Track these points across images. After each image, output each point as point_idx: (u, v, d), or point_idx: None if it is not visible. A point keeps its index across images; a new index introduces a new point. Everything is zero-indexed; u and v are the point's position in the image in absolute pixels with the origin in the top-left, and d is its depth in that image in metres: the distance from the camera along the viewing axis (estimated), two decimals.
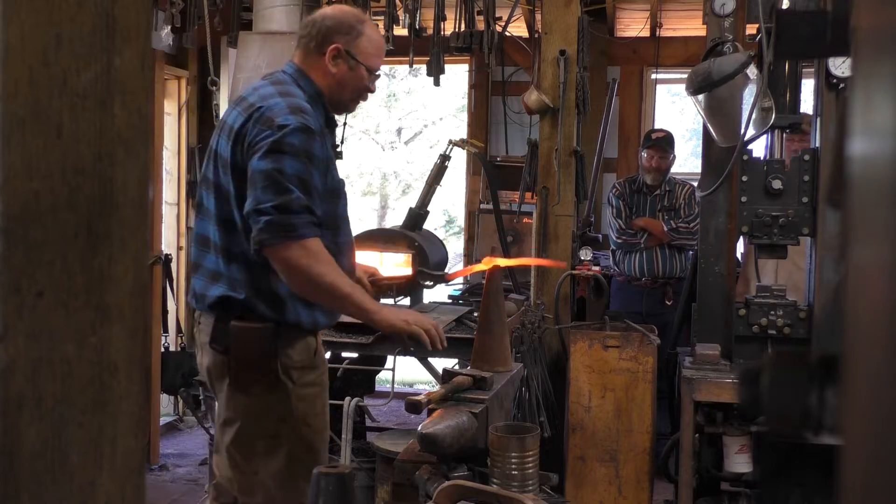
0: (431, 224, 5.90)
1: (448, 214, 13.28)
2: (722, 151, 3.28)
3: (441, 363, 4.48)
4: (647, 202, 5.09)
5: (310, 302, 2.45)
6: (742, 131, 3.07)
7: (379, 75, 2.60)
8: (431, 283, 2.87)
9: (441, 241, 4.89)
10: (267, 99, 2.41)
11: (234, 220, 2.40)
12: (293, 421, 2.44)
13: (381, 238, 4.28)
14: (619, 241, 5.10)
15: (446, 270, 4.78)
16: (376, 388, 4.88)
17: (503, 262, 2.62)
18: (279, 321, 2.42)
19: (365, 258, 4.19)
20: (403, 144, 15.11)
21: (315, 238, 2.30)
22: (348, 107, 2.63)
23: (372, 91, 2.60)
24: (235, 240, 2.40)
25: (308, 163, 2.33)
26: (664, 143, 5.04)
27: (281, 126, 2.32)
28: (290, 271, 2.31)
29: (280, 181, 2.27)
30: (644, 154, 5.08)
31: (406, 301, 3.91)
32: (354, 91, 2.55)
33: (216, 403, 2.60)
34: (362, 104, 2.69)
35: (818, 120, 3.19)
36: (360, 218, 13.42)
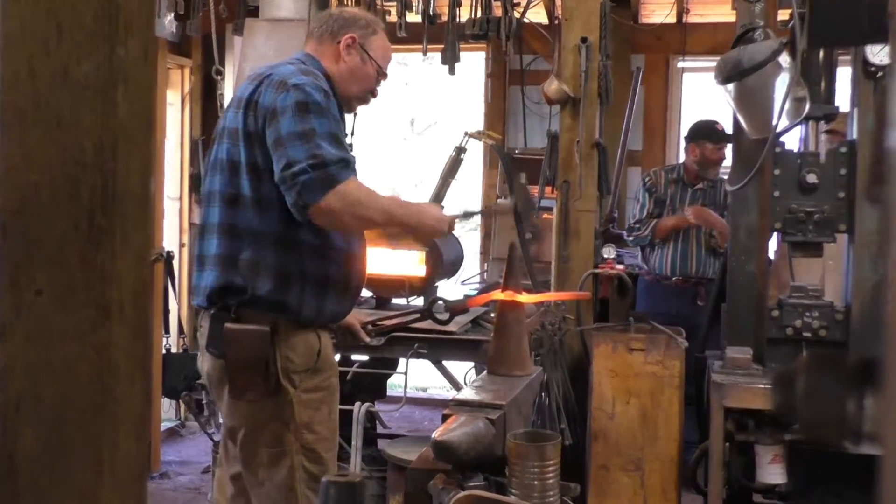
0: None
1: (464, 210, 13.24)
2: (753, 144, 3.27)
3: (456, 367, 4.49)
4: (686, 196, 5.01)
5: (317, 289, 2.46)
6: (774, 122, 3.05)
7: (384, 77, 2.71)
8: (447, 316, 2.83)
9: (456, 238, 4.89)
10: (276, 67, 2.51)
11: (241, 193, 2.43)
12: (297, 428, 2.45)
13: (392, 235, 4.28)
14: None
15: (461, 270, 4.79)
16: (388, 393, 4.89)
17: (524, 297, 2.65)
18: (280, 307, 2.43)
19: (375, 256, 4.20)
20: (416, 136, 15.11)
21: (350, 179, 2.35)
22: (352, 104, 2.69)
23: (375, 95, 2.71)
24: (242, 215, 2.43)
25: (333, 120, 2.41)
26: (727, 137, 4.91)
27: (296, 85, 2.38)
28: (337, 221, 2.39)
29: (311, 138, 2.32)
30: (710, 145, 4.96)
31: (419, 301, 3.92)
32: (361, 87, 2.65)
33: (219, 412, 2.62)
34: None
35: (855, 110, 3.17)
36: None
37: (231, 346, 2.41)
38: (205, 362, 2.55)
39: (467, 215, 2.96)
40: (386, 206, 2.48)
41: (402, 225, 2.58)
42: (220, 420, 2.64)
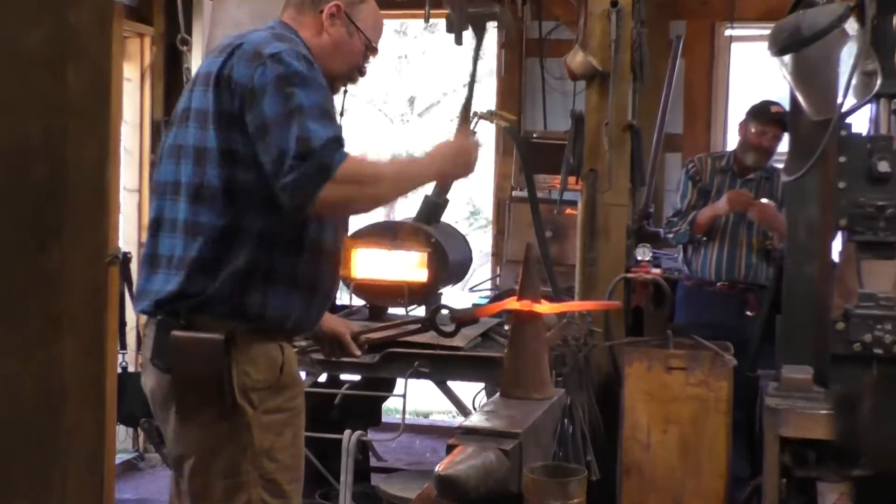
0: (452, 216, 5.91)
1: (472, 204, 13.30)
2: (813, 126, 3.27)
3: (463, 388, 4.50)
4: (735, 187, 4.98)
5: (283, 288, 2.48)
6: (839, 101, 3.06)
7: (375, 53, 2.73)
8: (452, 328, 2.83)
9: (463, 237, 4.91)
10: (245, 36, 2.52)
11: (211, 184, 2.44)
12: (255, 455, 2.46)
13: (390, 233, 4.30)
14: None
15: (469, 275, 4.80)
16: (383, 420, 4.90)
17: (544, 307, 2.65)
18: (238, 312, 2.44)
19: (369, 258, 4.22)
20: (417, 116, 15.14)
21: (345, 161, 2.35)
22: (335, 83, 2.71)
23: (363, 74, 2.73)
24: (211, 209, 2.44)
25: (321, 90, 2.42)
26: (784, 121, 4.84)
27: (273, 55, 2.39)
28: (343, 209, 2.50)
29: (296, 118, 2.33)
30: (753, 127, 4.93)
31: (420, 310, 3.92)
32: (346, 63, 2.67)
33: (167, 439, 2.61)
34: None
35: None
36: None
37: (179, 358, 2.42)
38: (148, 378, 2.55)
39: (466, 108, 3.01)
40: (392, 174, 2.54)
41: (420, 185, 2.64)
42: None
